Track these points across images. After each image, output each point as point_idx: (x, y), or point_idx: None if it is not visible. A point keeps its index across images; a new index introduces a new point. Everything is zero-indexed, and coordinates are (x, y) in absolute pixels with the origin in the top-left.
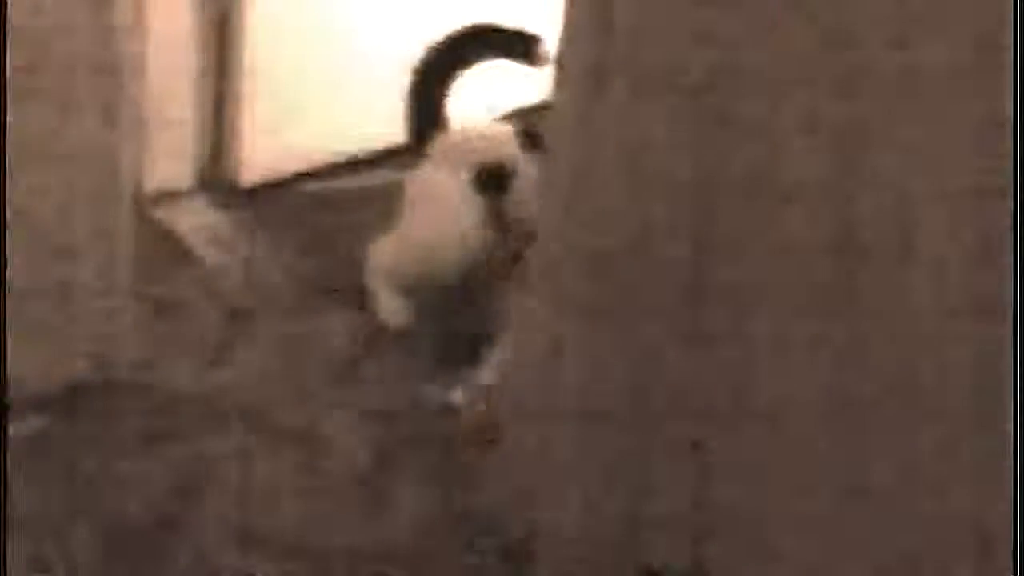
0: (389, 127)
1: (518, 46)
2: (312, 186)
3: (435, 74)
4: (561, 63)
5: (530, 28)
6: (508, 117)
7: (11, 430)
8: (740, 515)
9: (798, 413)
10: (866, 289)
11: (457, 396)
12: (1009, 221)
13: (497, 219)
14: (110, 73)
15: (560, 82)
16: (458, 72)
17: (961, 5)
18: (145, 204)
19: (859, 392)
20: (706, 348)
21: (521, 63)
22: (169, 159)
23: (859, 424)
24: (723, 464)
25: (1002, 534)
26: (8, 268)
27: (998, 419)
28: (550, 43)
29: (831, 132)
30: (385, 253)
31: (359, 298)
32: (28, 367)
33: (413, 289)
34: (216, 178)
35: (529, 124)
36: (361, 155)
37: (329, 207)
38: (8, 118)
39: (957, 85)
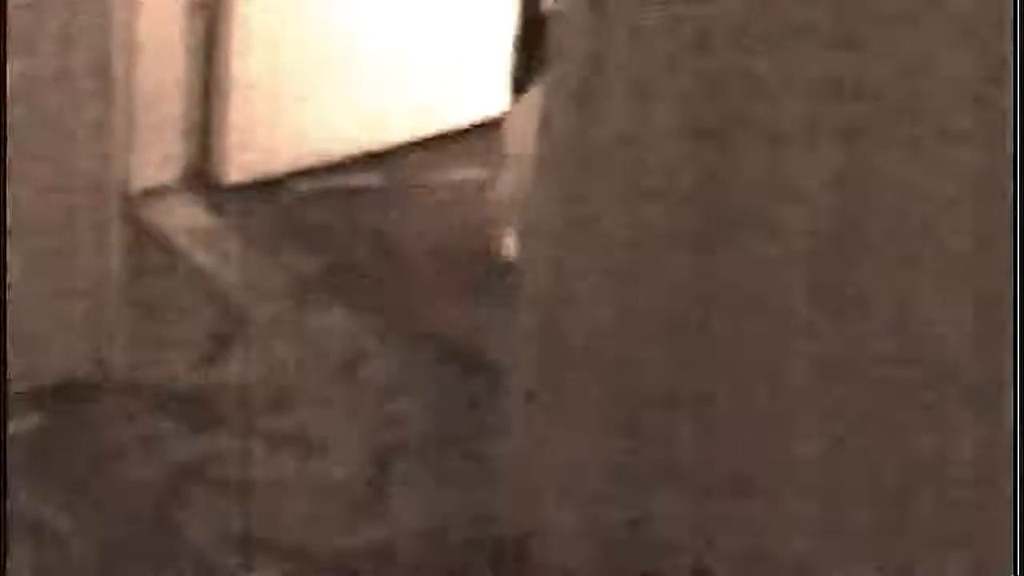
0: (378, 127)
1: None
2: (300, 186)
3: (533, 26)
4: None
5: None
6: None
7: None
8: (740, 519)
9: (799, 415)
10: (866, 289)
11: None
12: (1009, 221)
13: None
14: (104, 73)
15: (553, 87)
16: None
17: (962, 6)
18: (135, 203)
19: (859, 394)
20: (707, 349)
21: None
22: (158, 159)
23: (859, 426)
24: (724, 468)
25: (1002, 533)
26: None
27: (998, 420)
28: None
29: (833, 134)
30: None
31: (353, 296)
32: (22, 366)
33: None
34: (204, 177)
35: None
36: (350, 156)
37: (318, 206)
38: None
39: (957, 85)
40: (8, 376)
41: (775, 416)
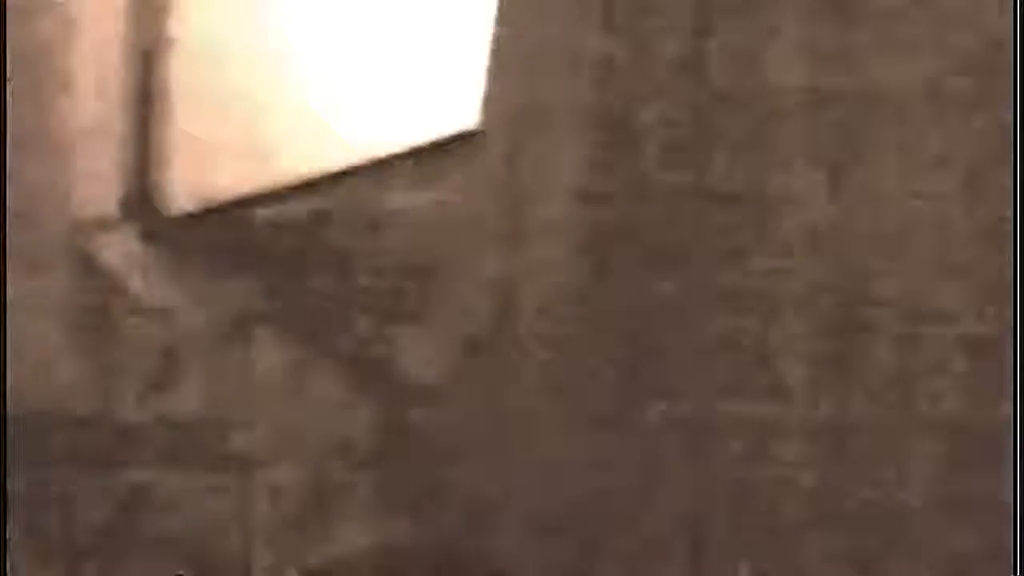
0: (323, 153)
1: None
2: (246, 212)
3: None
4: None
5: None
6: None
7: None
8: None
9: (795, 426)
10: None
11: None
12: (1010, 218)
13: None
14: (44, 103)
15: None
16: None
17: (962, 6)
18: (77, 234)
19: (858, 403)
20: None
21: None
22: (97, 187)
23: (858, 432)
24: (716, 480)
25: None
26: None
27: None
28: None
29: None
30: None
31: (297, 324)
32: None
33: None
34: (147, 206)
35: None
36: (294, 181)
37: (264, 232)
38: None
39: (957, 83)
40: None
41: (770, 421)
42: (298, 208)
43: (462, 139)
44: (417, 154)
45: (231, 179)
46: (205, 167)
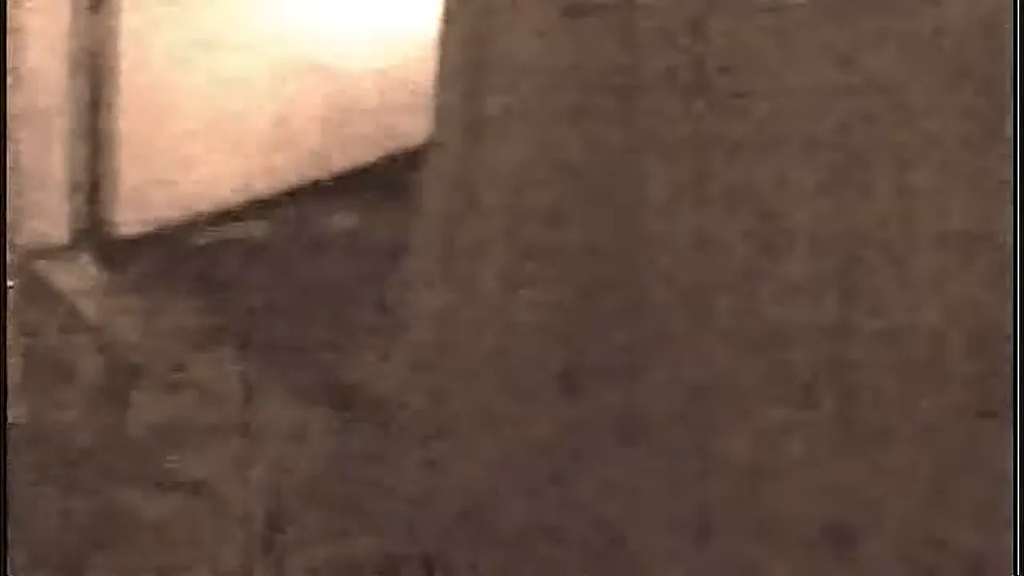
0: (269, 176)
1: None
2: (193, 237)
3: None
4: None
5: None
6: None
7: None
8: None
9: (796, 426)
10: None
11: None
12: (1010, 218)
13: None
14: None
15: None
16: None
17: (962, 6)
18: (26, 257)
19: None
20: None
21: None
22: (48, 215)
23: (858, 431)
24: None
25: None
26: None
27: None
28: None
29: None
30: None
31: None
32: None
33: None
34: (95, 232)
35: None
36: (241, 205)
37: (211, 257)
38: None
39: (957, 83)
40: None
41: (767, 433)
42: (248, 229)
43: (416, 154)
44: (365, 172)
45: (181, 203)
46: (155, 192)
